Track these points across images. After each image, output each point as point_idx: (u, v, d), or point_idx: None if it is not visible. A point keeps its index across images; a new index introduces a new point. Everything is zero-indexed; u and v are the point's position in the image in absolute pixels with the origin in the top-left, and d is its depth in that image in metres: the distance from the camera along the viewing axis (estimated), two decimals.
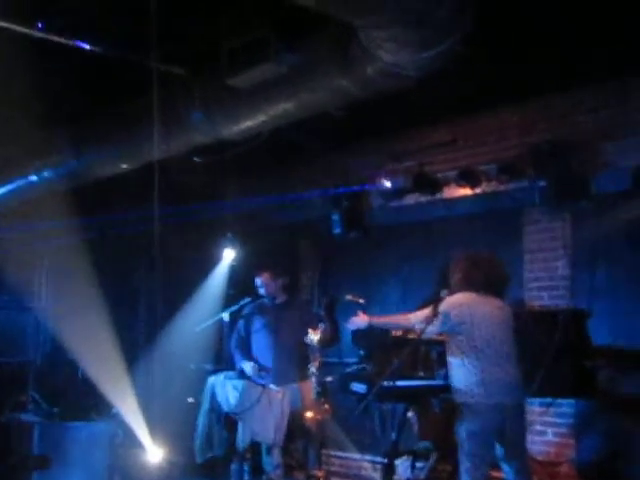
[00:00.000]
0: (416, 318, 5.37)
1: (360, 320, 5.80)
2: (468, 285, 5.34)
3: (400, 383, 5.56)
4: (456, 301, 5.28)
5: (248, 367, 6.98)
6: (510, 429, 5.18)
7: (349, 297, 6.41)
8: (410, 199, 7.44)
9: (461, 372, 5.19)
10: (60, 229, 8.03)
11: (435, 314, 5.19)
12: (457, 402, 5.21)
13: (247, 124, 5.69)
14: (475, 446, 5.08)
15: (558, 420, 6.76)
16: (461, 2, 4.12)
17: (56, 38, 5.30)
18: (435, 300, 5.33)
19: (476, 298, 5.28)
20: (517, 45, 5.41)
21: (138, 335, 9.17)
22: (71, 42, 5.39)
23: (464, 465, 5.12)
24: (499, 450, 5.23)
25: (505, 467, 5.26)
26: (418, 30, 4.10)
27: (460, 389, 5.18)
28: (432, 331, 5.32)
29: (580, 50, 5.49)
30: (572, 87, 6.29)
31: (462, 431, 5.14)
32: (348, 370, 6.49)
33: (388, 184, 7.39)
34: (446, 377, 5.66)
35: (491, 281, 5.37)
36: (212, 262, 8.69)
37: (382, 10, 3.90)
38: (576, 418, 6.67)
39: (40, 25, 5.18)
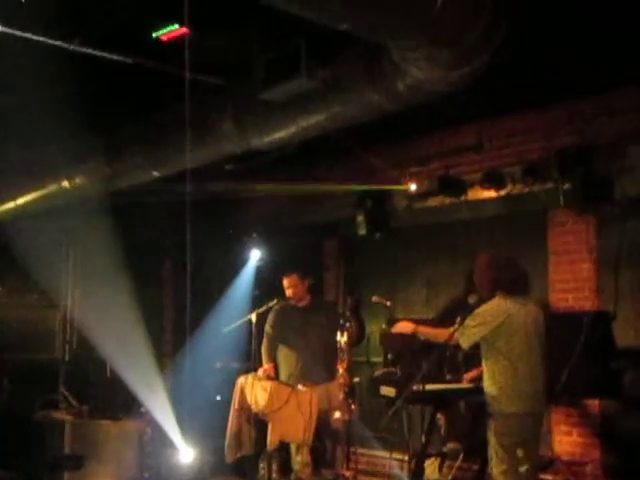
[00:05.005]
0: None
1: (406, 326, 5.71)
2: (497, 287, 5.26)
3: (429, 387, 5.59)
4: (491, 308, 5.21)
5: (260, 371, 7.10)
6: (533, 434, 5.22)
7: (375, 299, 6.47)
8: (435, 201, 7.49)
9: (495, 379, 5.16)
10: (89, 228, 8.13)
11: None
12: (489, 407, 5.20)
13: (278, 135, 5.76)
14: (508, 449, 5.09)
15: (583, 420, 6.82)
16: (495, 19, 4.16)
17: (91, 51, 5.39)
18: (468, 308, 5.37)
19: (510, 303, 5.19)
20: (543, 48, 5.42)
21: (167, 335, 9.31)
22: (106, 54, 5.48)
23: (499, 467, 5.11)
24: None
25: None
26: (450, 50, 4.16)
27: (494, 395, 5.16)
28: (468, 341, 5.24)
29: (606, 54, 5.52)
30: (597, 91, 6.31)
31: (493, 436, 5.16)
32: (377, 374, 6.58)
33: (413, 187, 7.46)
34: (472, 381, 5.77)
35: (517, 280, 5.30)
36: (240, 263, 8.78)
37: (415, 32, 3.97)
38: (601, 419, 6.75)
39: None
